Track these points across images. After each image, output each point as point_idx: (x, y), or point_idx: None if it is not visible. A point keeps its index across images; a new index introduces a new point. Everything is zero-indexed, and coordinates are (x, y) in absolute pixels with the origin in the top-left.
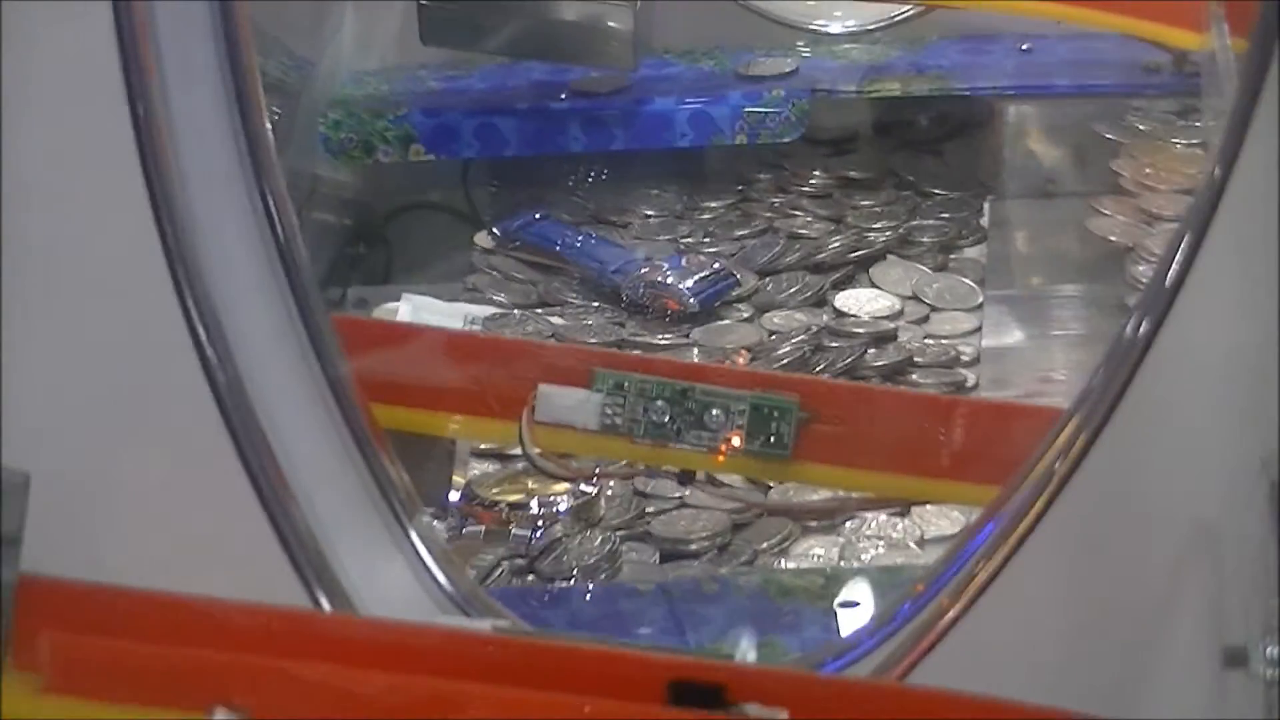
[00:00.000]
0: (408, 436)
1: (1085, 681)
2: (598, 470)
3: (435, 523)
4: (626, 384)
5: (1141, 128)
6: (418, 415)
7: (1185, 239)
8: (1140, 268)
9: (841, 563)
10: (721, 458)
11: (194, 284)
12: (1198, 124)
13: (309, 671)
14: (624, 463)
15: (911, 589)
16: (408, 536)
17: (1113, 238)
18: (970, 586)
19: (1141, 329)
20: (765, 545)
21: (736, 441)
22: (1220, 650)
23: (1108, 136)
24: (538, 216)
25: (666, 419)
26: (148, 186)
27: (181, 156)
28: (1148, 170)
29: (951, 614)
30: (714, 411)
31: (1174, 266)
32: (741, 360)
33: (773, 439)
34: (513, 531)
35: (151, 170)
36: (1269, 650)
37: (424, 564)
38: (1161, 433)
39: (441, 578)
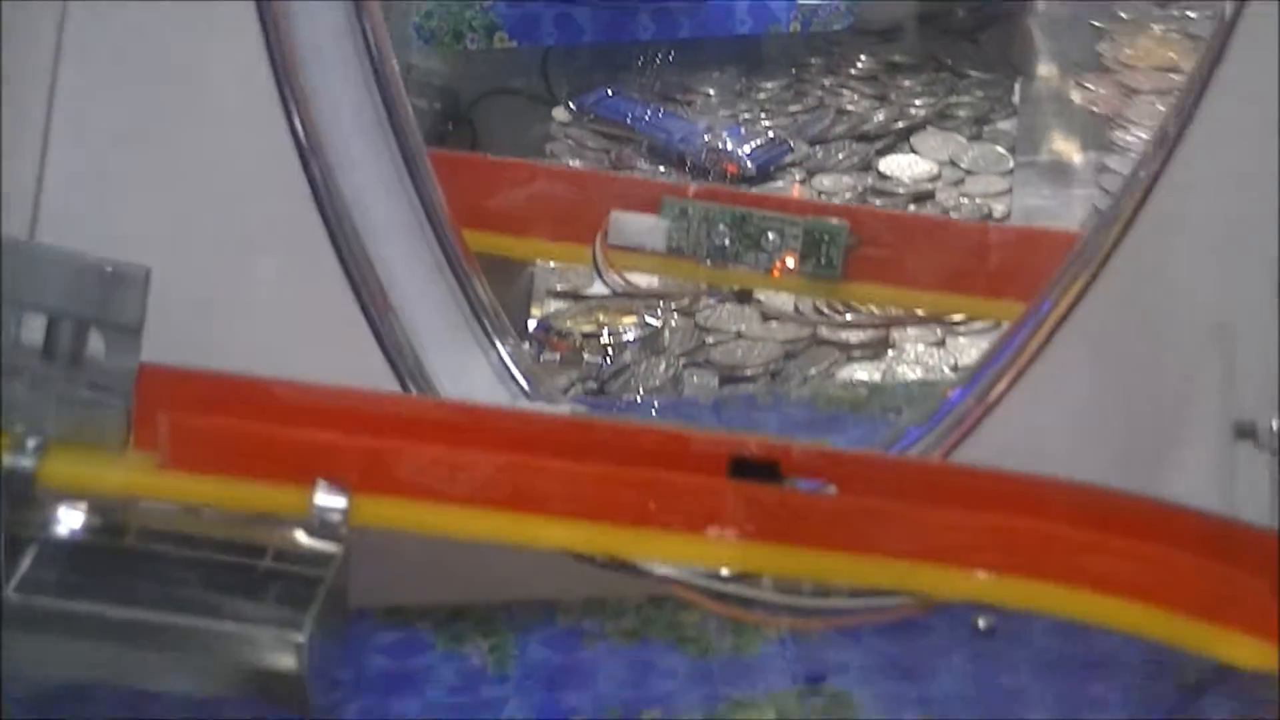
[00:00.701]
0: (490, 274)
1: (1110, 458)
2: (660, 303)
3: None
4: (691, 210)
5: (1124, 15)
6: (504, 240)
7: (1196, 79)
8: (1117, 133)
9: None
10: (777, 273)
11: (305, 118)
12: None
13: (404, 449)
14: (685, 300)
15: (951, 386)
16: (494, 347)
17: (1094, 108)
18: (1003, 381)
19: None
20: (814, 371)
21: (791, 263)
22: (1232, 425)
23: (1095, 24)
24: (610, 93)
25: (727, 242)
26: (265, 34)
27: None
28: (1127, 51)
29: (987, 403)
30: (770, 235)
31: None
32: (796, 191)
33: (823, 260)
34: (585, 358)
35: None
36: (1274, 424)
37: (509, 373)
38: (1176, 240)
39: (525, 385)
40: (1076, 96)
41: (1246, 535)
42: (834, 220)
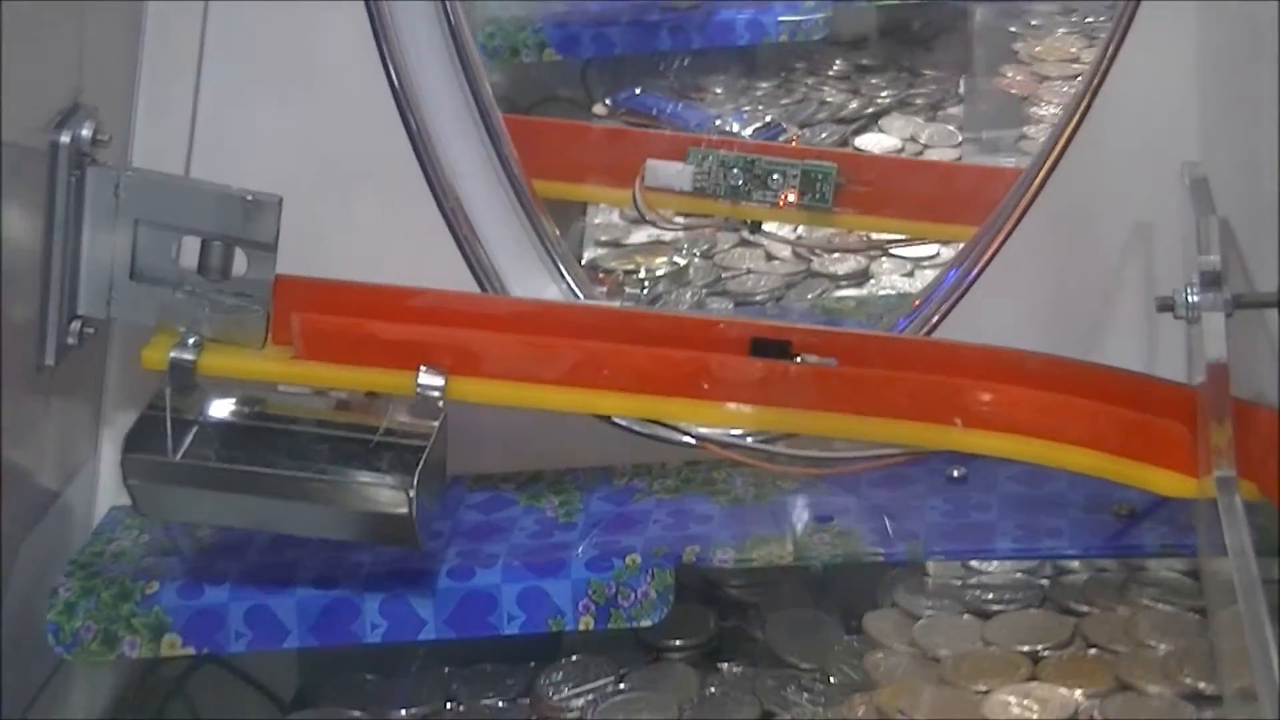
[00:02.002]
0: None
1: (1056, 333)
2: (685, 246)
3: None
4: (711, 157)
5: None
6: (563, 186)
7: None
8: (1033, 109)
9: None
10: (782, 205)
11: (408, 94)
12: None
13: (489, 339)
14: (705, 246)
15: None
16: (558, 269)
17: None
18: (971, 273)
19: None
20: (810, 296)
21: (791, 198)
22: (1154, 301)
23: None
24: (638, 91)
25: (740, 183)
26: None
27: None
28: (1037, 48)
29: (957, 295)
30: (774, 176)
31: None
32: (794, 141)
33: (817, 195)
34: (625, 290)
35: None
36: (1190, 297)
37: (571, 289)
38: (1101, 161)
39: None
40: (999, 84)
41: (1167, 390)
42: (825, 162)
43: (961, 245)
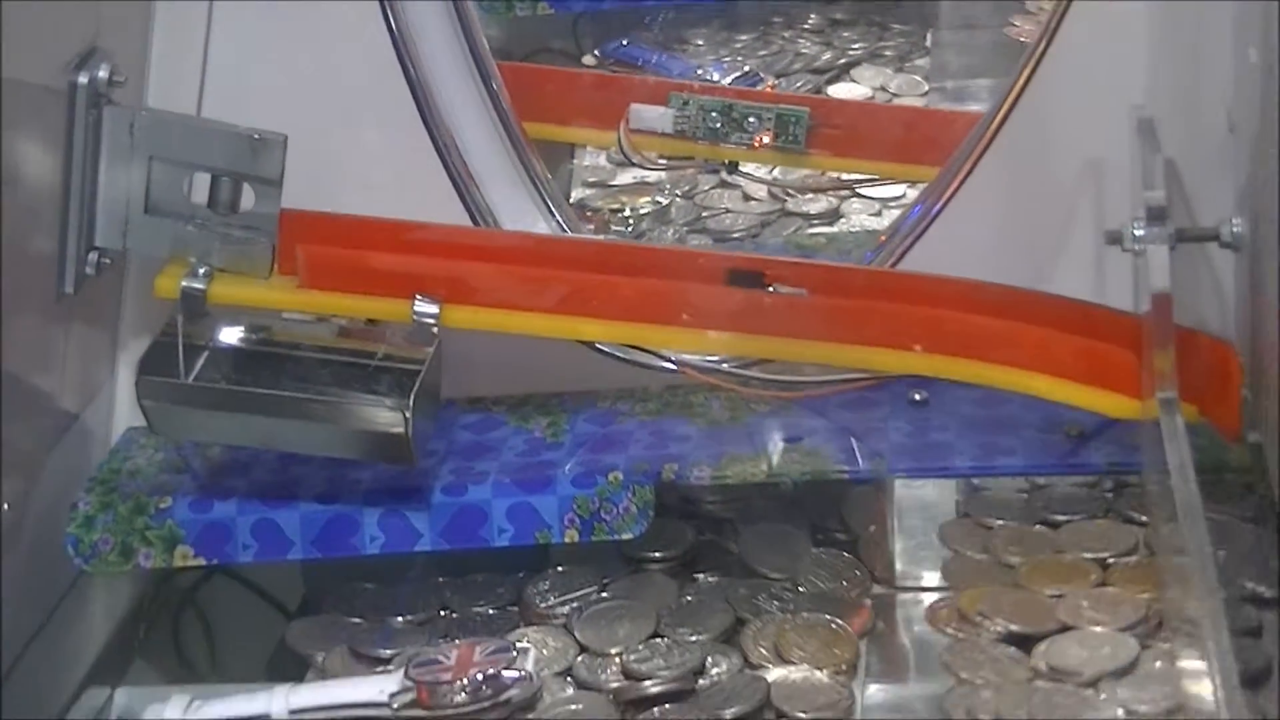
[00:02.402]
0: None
1: (1012, 266)
2: (667, 187)
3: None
4: (691, 102)
5: None
6: (553, 128)
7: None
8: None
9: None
10: (758, 147)
11: (407, 43)
12: None
13: (479, 269)
14: (686, 187)
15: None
16: (548, 207)
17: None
18: (933, 210)
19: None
20: (785, 233)
21: (766, 140)
22: (1103, 235)
23: None
24: (625, 43)
25: (718, 125)
26: None
27: None
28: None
29: (920, 230)
30: (750, 119)
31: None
32: (769, 87)
33: (790, 138)
34: (612, 227)
35: None
36: (1136, 231)
37: (560, 225)
38: (1054, 106)
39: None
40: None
41: (1114, 319)
42: (798, 107)
43: (925, 185)
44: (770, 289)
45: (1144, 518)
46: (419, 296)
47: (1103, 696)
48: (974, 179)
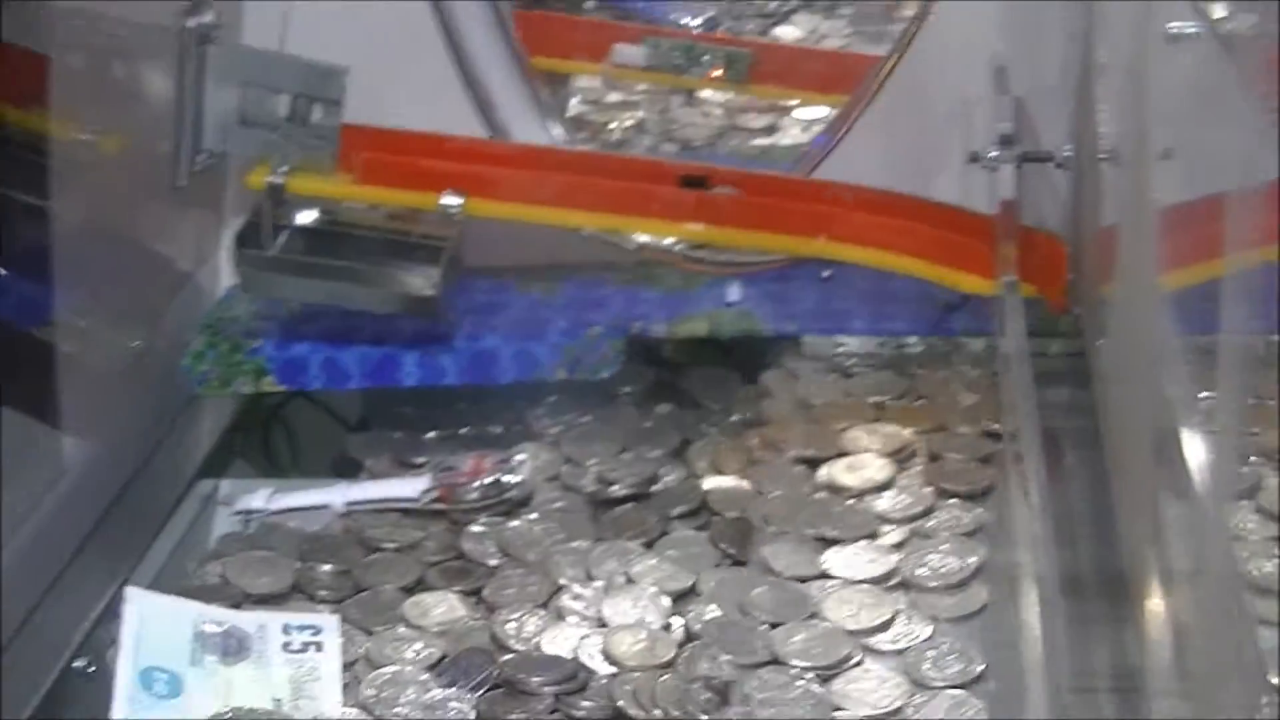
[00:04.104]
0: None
1: (900, 175)
2: (644, 106)
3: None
4: (661, 43)
5: None
6: (555, 61)
7: None
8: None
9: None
10: (710, 79)
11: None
12: None
13: (493, 171)
14: (659, 107)
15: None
16: (548, 124)
17: None
18: (840, 130)
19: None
20: (736, 142)
21: (718, 73)
22: (967, 154)
23: None
24: None
25: (680, 61)
26: None
27: None
28: None
29: (831, 146)
30: (705, 57)
31: None
32: (720, 33)
33: (736, 72)
34: (601, 137)
35: None
36: (990, 153)
37: (557, 139)
38: (936, 50)
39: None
40: None
41: (974, 219)
42: (743, 49)
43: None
44: (713, 190)
45: (918, 370)
46: (446, 191)
47: (864, 505)
48: (872, 108)
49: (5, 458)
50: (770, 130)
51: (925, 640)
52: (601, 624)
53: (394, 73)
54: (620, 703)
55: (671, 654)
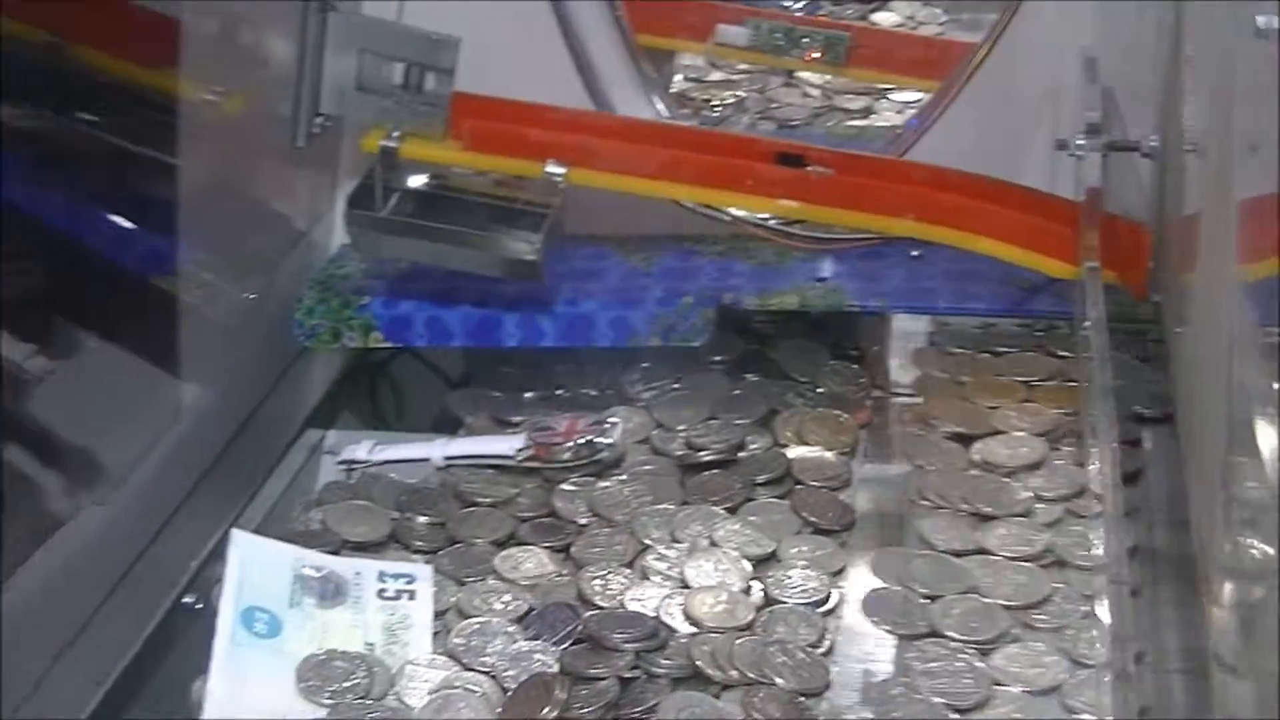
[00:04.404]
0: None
1: (990, 161)
2: (745, 85)
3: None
4: (762, 24)
5: None
6: (659, 39)
7: None
8: None
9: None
10: (809, 60)
11: None
12: None
13: (596, 143)
14: (759, 85)
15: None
16: (652, 99)
17: None
18: (933, 115)
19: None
20: (832, 123)
21: (817, 55)
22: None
23: None
24: None
25: (781, 43)
26: None
27: None
28: None
29: (923, 130)
30: (804, 40)
31: None
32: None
33: (834, 55)
34: (702, 113)
35: None
36: (1077, 140)
37: (660, 113)
38: (1027, 42)
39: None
40: None
41: (1059, 204)
42: (841, 32)
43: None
44: (807, 169)
45: (1064, 353)
46: (550, 160)
47: (1018, 484)
48: (965, 93)
49: (129, 401)
50: (866, 112)
51: (1082, 618)
52: (684, 585)
53: (505, 46)
54: (698, 662)
55: (750, 617)
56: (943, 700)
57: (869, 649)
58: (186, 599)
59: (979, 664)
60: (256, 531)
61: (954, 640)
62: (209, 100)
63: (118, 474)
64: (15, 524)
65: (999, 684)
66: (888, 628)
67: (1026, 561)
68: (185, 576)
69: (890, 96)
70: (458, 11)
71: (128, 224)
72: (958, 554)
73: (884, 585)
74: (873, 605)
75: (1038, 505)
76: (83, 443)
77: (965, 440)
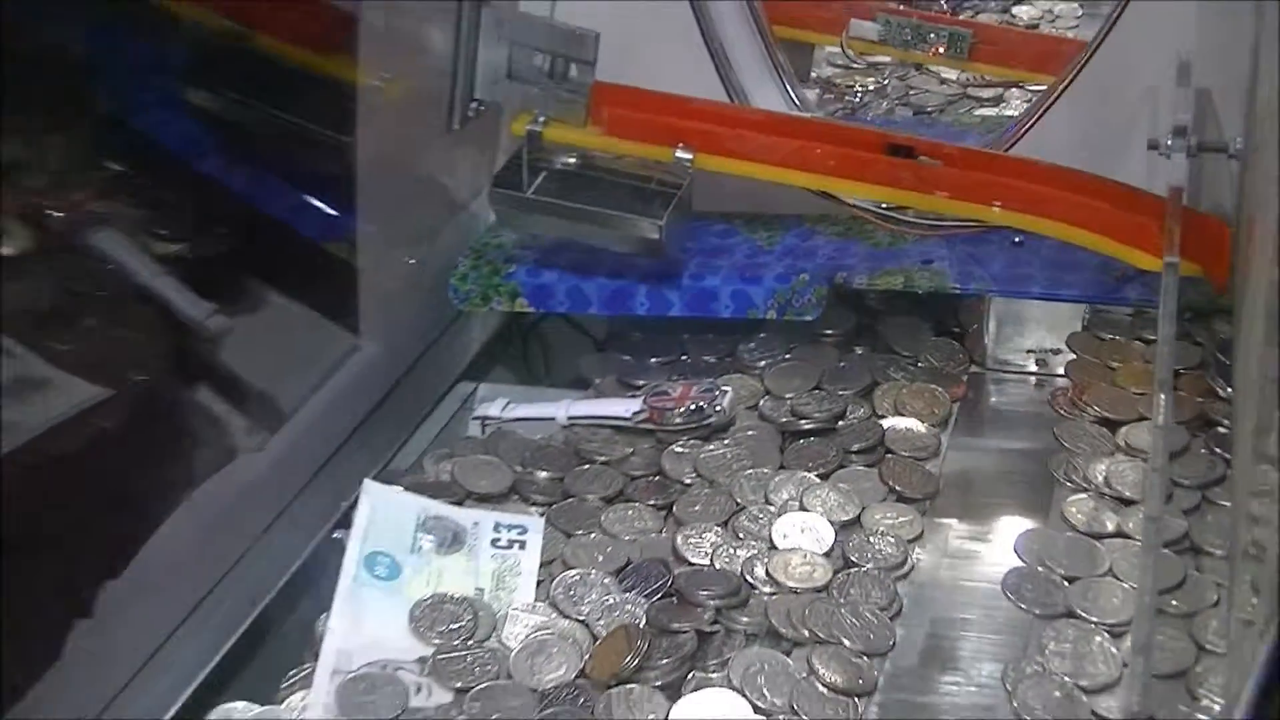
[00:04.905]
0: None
1: (1088, 158)
2: (886, 73)
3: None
4: (891, 20)
5: None
6: (794, 31)
7: None
8: None
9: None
10: (934, 55)
11: None
12: None
13: (723, 131)
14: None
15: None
16: (786, 89)
17: None
18: (1039, 110)
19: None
20: (962, 111)
21: (941, 50)
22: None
23: None
24: None
25: (909, 38)
26: None
27: None
28: None
29: (1031, 123)
30: (931, 35)
31: None
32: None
33: (958, 50)
34: (845, 98)
35: None
36: (1167, 140)
37: (791, 103)
38: (1130, 46)
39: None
40: None
41: (1148, 200)
42: (965, 29)
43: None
44: (918, 159)
45: (1202, 340)
46: (680, 145)
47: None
48: (1071, 90)
49: (315, 355)
50: (997, 100)
51: (1211, 605)
52: (771, 545)
53: (646, 39)
54: (773, 620)
55: (828, 579)
56: (1073, 680)
57: (939, 613)
58: (336, 534)
59: (1111, 648)
60: (405, 475)
61: (1088, 622)
62: (378, 86)
63: (285, 417)
64: (198, 456)
65: (1127, 665)
66: (1024, 606)
67: (1164, 547)
68: (336, 514)
69: (1024, 86)
70: (605, 8)
71: (306, 196)
72: (1097, 536)
73: (1024, 564)
74: (1011, 583)
75: (1176, 491)
76: (261, 388)
77: (1112, 425)
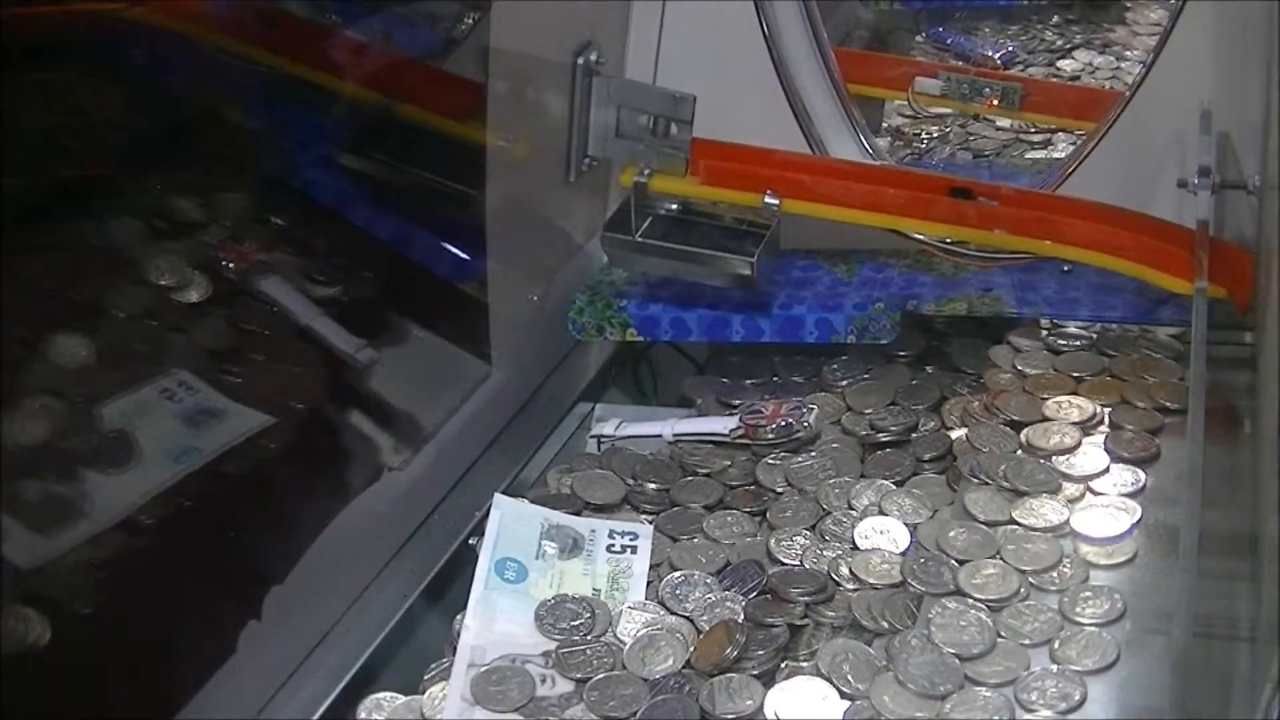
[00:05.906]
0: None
1: (1125, 196)
2: (949, 122)
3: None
4: (951, 77)
5: None
6: (866, 88)
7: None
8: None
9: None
10: (989, 106)
11: (774, 40)
12: None
13: (805, 179)
14: (959, 122)
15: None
16: (861, 140)
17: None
18: (1083, 153)
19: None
20: (1015, 154)
21: (995, 102)
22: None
23: None
24: (940, 29)
25: (966, 91)
26: None
27: None
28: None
29: (1075, 166)
30: (985, 90)
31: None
32: (996, 70)
33: (1010, 101)
34: (913, 144)
35: None
36: (1193, 179)
37: (866, 152)
38: (1160, 94)
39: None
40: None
41: (1179, 231)
42: (1015, 84)
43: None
44: (976, 199)
45: (1112, 352)
46: (768, 192)
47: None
48: (1110, 134)
49: (451, 382)
50: (1045, 144)
51: (1081, 583)
52: (854, 546)
53: (736, 99)
54: (856, 613)
55: (903, 576)
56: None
57: None
58: (471, 541)
59: (986, 619)
60: (530, 489)
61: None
62: (504, 145)
63: (426, 438)
64: (351, 473)
65: (1001, 636)
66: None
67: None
68: (470, 525)
69: (1069, 130)
70: (699, 73)
71: (442, 242)
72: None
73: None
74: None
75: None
76: (405, 412)
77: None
